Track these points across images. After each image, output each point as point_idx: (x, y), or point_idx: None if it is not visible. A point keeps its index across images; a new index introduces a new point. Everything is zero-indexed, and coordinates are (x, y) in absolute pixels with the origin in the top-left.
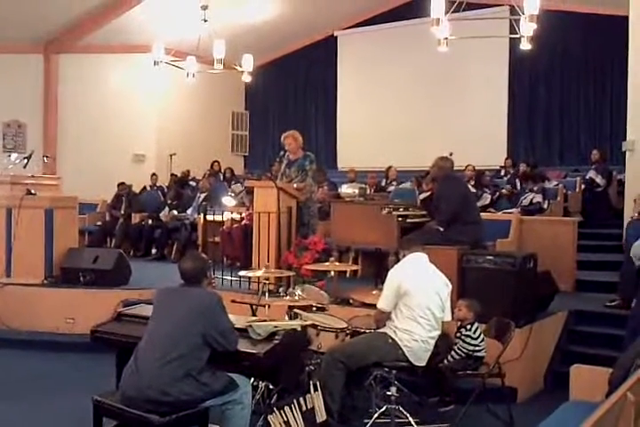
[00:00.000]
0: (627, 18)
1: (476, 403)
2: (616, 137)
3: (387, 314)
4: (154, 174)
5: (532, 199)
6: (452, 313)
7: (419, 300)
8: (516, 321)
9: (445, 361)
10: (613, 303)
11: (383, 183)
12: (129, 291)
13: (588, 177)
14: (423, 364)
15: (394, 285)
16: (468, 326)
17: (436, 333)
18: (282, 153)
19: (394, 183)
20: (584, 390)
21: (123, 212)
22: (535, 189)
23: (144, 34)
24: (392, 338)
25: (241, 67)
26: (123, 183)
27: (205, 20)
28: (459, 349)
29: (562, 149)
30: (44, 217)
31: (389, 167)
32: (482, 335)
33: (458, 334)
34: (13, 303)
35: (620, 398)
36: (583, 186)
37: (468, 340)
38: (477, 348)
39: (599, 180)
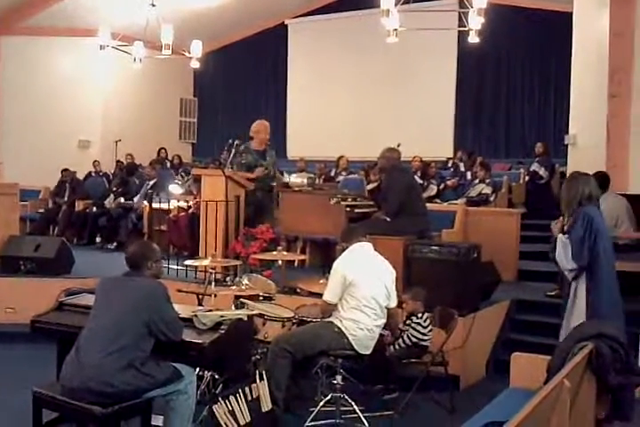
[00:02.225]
0: (571, 14)
1: (419, 391)
2: (559, 131)
3: (333, 306)
4: (96, 161)
5: (480, 190)
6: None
7: (364, 290)
8: (460, 310)
9: (392, 348)
10: (553, 293)
11: (333, 173)
12: (71, 280)
13: (531, 169)
14: (368, 352)
15: (339, 276)
16: (419, 315)
17: (382, 321)
18: (230, 141)
19: (343, 173)
20: (524, 377)
21: (66, 199)
22: (487, 181)
23: (91, 17)
24: (338, 327)
25: (189, 53)
26: (66, 169)
27: (153, 5)
28: (408, 337)
29: (507, 141)
30: None
31: (341, 157)
32: (431, 325)
33: (408, 322)
34: None
35: (556, 384)
36: (527, 178)
37: (419, 328)
38: (425, 337)
39: (542, 172)
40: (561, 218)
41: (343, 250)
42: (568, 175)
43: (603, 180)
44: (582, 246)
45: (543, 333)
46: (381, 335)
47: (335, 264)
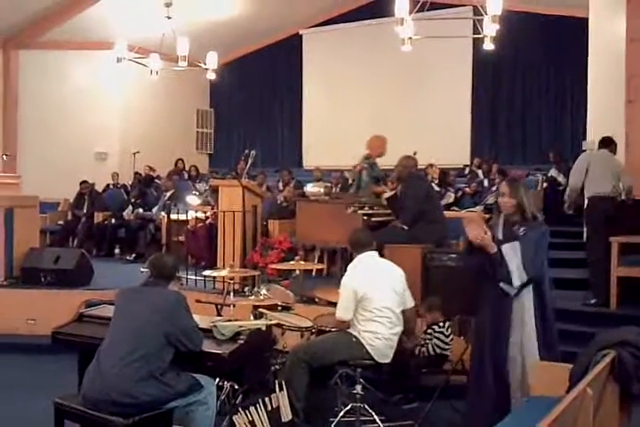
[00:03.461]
0: (587, 19)
1: (439, 400)
2: (576, 136)
3: (347, 323)
4: (115, 173)
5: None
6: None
7: (376, 302)
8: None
9: (415, 354)
10: (592, 301)
11: (349, 182)
12: (91, 291)
13: (549, 175)
14: (388, 360)
15: (349, 293)
16: (440, 324)
17: (399, 328)
18: (247, 151)
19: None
20: (545, 385)
21: (85, 211)
22: None
23: (107, 30)
24: (355, 337)
25: (205, 64)
26: (85, 182)
27: (169, 17)
28: (433, 347)
29: (524, 147)
30: (4, 217)
31: (355, 166)
32: (452, 334)
33: (429, 331)
34: None
35: (579, 393)
36: (545, 184)
37: (442, 337)
38: (447, 346)
39: (561, 178)
40: (497, 226)
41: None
42: (511, 179)
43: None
44: (536, 256)
45: (564, 340)
46: (400, 342)
47: (343, 280)
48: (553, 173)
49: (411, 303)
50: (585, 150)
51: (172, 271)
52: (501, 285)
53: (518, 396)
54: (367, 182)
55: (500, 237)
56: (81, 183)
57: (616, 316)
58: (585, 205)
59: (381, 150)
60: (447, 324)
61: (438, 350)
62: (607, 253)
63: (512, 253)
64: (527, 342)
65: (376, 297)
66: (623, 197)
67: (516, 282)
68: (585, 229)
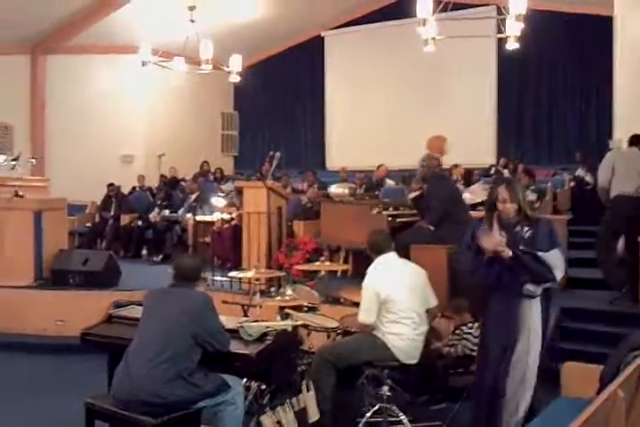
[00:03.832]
0: (612, 18)
1: (467, 401)
2: (603, 135)
3: (371, 326)
4: (141, 176)
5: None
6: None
7: (400, 304)
8: None
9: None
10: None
11: (374, 183)
12: (119, 292)
13: (576, 175)
14: (415, 361)
15: (371, 295)
16: (469, 324)
17: (424, 328)
18: (272, 153)
19: (386, 182)
20: (575, 386)
21: (112, 213)
22: (532, 187)
23: (131, 34)
24: (380, 339)
25: (229, 67)
26: (112, 184)
27: (193, 21)
28: (462, 348)
29: (550, 147)
30: (33, 219)
31: (380, 166)
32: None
33: (458, 332)
34: (3, 306)
35: (610, 394)
36: (572, 183)
37: (471, 338)
38: (476, 347)
39: (588, 178)
40: (495, 229)
41: None
42: (508, 182)
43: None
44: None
45: (593, 341)
46: (428, 343)
47: (365, 283)
48: (580, 172)
49: (434, 302)
50: (611, 149)
51: (193, 273)
52: (528, 286)
53: (512, 409)
54: None
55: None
56: (108, 186)
57: None
58: (611, 202)
59: (442, 150)
60: (476, 324)
61: (467, 351)
62: (632, 252)
63: (551, 261)
64: (535, 343)
65: (399, 298)
66: None
67: (559, 275)
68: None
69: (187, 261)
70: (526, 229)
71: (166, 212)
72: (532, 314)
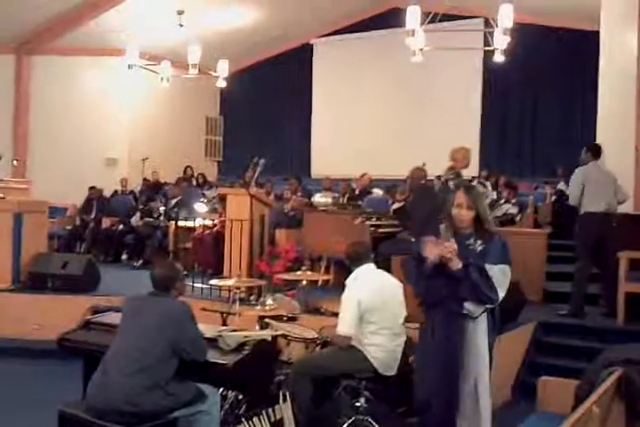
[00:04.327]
0: (598, 33)
1: None
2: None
3: (349, 338)
4: (124, 179)
5: (506, 210)
6: None
7: (379, 314)
8: None
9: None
10: (565, 312)
11: (357, 192)
12: (98, 297)
13: (558, 188)
14: (393, 373)
15: (354, 307)
16: None
17: (402, 339)
18: (256, 159)
19: (373, 191)
20: (551, 401)
21: (93, 216)
22: (513, 201)
23: (119, 37)
24: (360, 350)
25: (216, 72)
26: (93, 187)
27: (181, 25)
28: None
29: (533, 160)
30: (13, 221)
31: (363, 175)
32: None
33: None
34: None
35: (585, 411)
36: (554, 197)
37: None
38: None
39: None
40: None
41: None
42: (467, 186)
43: (596, 148)
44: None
45: (570, 356)
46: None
47: (345, 295)
48: (562, 186)
49: (404, 313)
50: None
51: (165, 283)
52: (466, 305)
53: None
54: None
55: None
56: (89, 189)
57: (624, 331)
58: (580, 219)
59: (467, 161)
60: None
61: None
62: (606, 269)
63: (496, 275)
64: (483, 371)
65: (378, 309)
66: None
67: (500, 294)
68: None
69: (159, 271)
70: (479, 242)
71: (152, 217)
72: (478, 337)
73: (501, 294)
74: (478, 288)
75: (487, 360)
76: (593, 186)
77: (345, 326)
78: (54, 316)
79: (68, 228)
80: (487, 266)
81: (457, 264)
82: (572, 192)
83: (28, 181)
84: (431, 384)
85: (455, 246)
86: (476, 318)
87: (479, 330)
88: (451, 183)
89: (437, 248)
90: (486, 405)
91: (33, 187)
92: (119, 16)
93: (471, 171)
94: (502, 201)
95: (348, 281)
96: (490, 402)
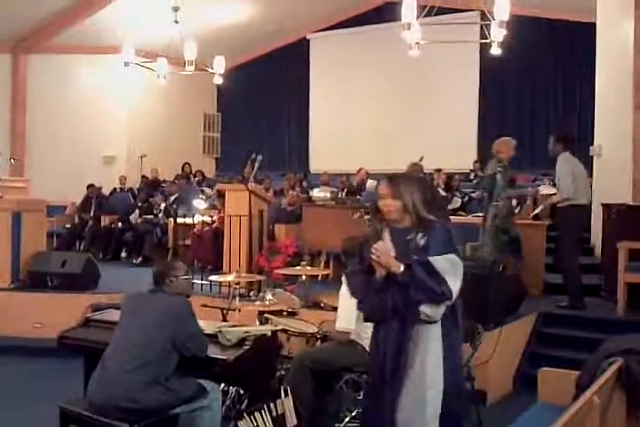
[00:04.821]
0: (594, 25)
1: None
2: (584, 142)
3: (348, 334)
4: (122, 177)
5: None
6: None
7: None
8: (486, 324)
9: None
10: (564, 304)
11: (354, 186)
12: (98, 295)
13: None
14: None
15: (350, 302)
16: None
17: None
18: (254, 155)
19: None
20: (552, 392)
21: (92, 214)
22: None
23: (115, 35)
24: (360, 344)
25: (212, 68)
26: (92, 185)
27: (177, 22)
28: None
29: (532, 152)
30: (11, 220)
31: (360, 169)
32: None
33: None
34: None
35: (586, 401)
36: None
37: None
38: None
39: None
40: (386, 239)
41: None
42: (391, 176)
43: (567, 139)
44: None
45: (570, 346)
46: None
47: (341, 291)
48: None
49: None
50: (592, 156)
51: (157, 278)
52: (423, 308)
53: None
54: (503, 186)
55: (392, 253)
56: (88, 187)
57: (624, 322)
58: (561, 213)
59: (512, 153)
60: None
61: None
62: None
63: (441, 265)
64: (431, 376)
65: None
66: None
67: (453, 285)
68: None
69: (154, 268)
70: (420, 235)
71: (151, 215)
72: (430, 338)
73: (456, 285)
74: (427, 286)
75: (440, 373)
76: (578, 178)
77: (343, 321)
78: (54, 314)
79: (67, 226)
80: (431, 259)
81: (397, 267)
82: (566, 184)
83: (26, 180)
84: (375, 392)
85: (388, 246)
86: (437, 321)
87: (429, 335)
88: (498, 176)
89: (385, 249)
90: (434, 414)
91: (31, 185)
92: (114, 14)
93: (470, 163)
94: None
95: (344, 276)
96: (438, 411)
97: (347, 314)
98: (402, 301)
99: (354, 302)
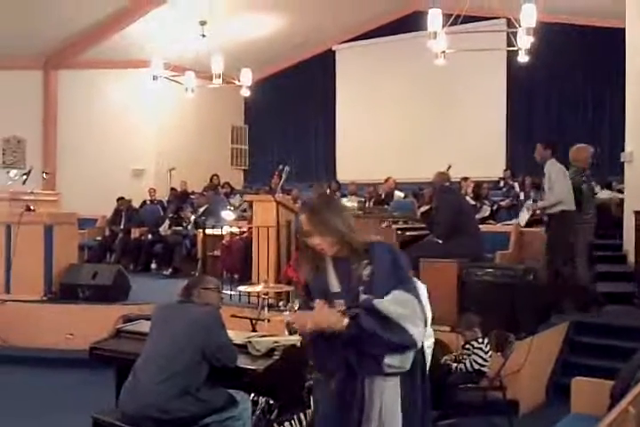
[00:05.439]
0: (623, 29)
1: (477, 416)
2: (614, 148)
3: None
4: (152, 189)
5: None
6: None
7: None
8: (518, 333)
9: (452, 371)
10: None
11: (382, 196)
12: (128, 306)
13: None
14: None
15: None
16: (479, 340)
17: (432, 340)
18: (281, 166)
19: (395, 194)
20: (585, 402)
21: (122, 226)
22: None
23: (143, 49)
24: None
25: (239, 81)
26: (122, 198)
27: (204, 36)
28: (471, 363)
29: (560, 159)
30: (44, 233)
31: (387, 178)
32: (491, 350)
33: (467, 346)
34: (13, 320)
35: (621, 411)
36: None
37: (481, 353)
38: (486, 362)
39: (598, 190)
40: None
41: None
42: (304, 206)
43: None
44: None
45: (604, 355)
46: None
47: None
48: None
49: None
50: (623, 162)
51: (185, 290)
52: (387, 361)
53: None
54: (588, 195)
55: (337, 288)
56: (118, 200)
57: None
58: (557, 218)
59: (589, 160)
60: (486, 340)
61: (476, 366)
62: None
63: (392, 309)
64: None
65: None
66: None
67: (416, 328)
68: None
69: (189, 280)
70: (365, 262)
71: (180, 227)
72: (384, 398)
73: (418, 328)
74: (381, 340)
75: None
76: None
77: None
78: (86, 325)
79: (98, 238)
80: (378, 304)
81: (340, 324)
82: (561, 188)
83: (57, 194)
84: None
85: (324, 309)
86: (408, 371)
87: (383, 394)
88: (584, 186)
89: (303, 319)
90: None
91: (62, 199)
92: (142, 28)
93: (498, 172)
94: (530, 201)
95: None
96: None
97: None
98: (356, 354)
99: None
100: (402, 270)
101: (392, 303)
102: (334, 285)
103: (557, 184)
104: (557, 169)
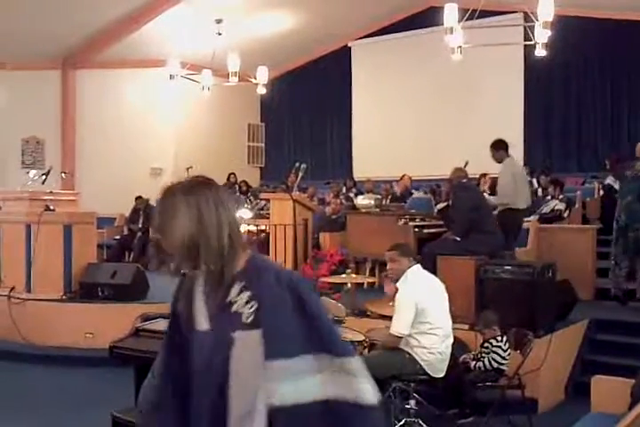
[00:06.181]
0: None
1: (496, 415)
2: (634, 142)
3: (401, 338)
4: None
5: (554, 207)
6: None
7: (435, 314)
8: (536, 331)
9: (471, 369)
10: None
11: (398, 193)
12: (147, 305)
13: (606, 183)
14: (442, 375)
15: (410, 306)
16: (498, 338)
17: (451, 340)
18: (297, 164)
19: (412, 192)
20: (605, 401)
21: (141, 226)
22: (560, 196)
23: (160, 48)
24: (409, 353)
25: (255, 79)
26: (140, 197)
27: (220, 34)
28: (489, 361)
29: (579, 155)
30: (63, 233)
31: (403, 176)
32: (510, 348)
33: (486, 345)
34: (33, 318)
35: None
36: (602, 192)
37: (499, 351)
38: (505, 360)
39: (617, 186)
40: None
41: None
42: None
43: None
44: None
45: (624, 353)
46: (454, 356)
47: (401, 294)
48: (609, 180)
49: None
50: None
51: None
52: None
53: None
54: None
55: (207, 325)
56: (136, 199)
57: None
58: (500, 216)
59: None
60: (505, 338)
61: (495, 365)
62: None
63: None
64: None
65: (434, 309)
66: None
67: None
68: None
69: None
70: (246, 295)
71: None
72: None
73: (370, 396)
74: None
75: None
76: (519, 182)
77: (400, 326)
78: (105, 324)
79: (117, 237)
80: (279, 398)
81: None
82: (506, 190)
83: (76, 193)
84: None
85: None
86: None
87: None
88: None
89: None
90: None
91: (81, 198)
92: (159, 28)
93: None
94: (549, 197)
95: (399, 282)
96: None
97: (405, 319)
98: None
99: (412, 307)
100: (316, 320)
101: (295, 391)
102: (205, 321)
103: (503, 187)
104: (506, 170)
